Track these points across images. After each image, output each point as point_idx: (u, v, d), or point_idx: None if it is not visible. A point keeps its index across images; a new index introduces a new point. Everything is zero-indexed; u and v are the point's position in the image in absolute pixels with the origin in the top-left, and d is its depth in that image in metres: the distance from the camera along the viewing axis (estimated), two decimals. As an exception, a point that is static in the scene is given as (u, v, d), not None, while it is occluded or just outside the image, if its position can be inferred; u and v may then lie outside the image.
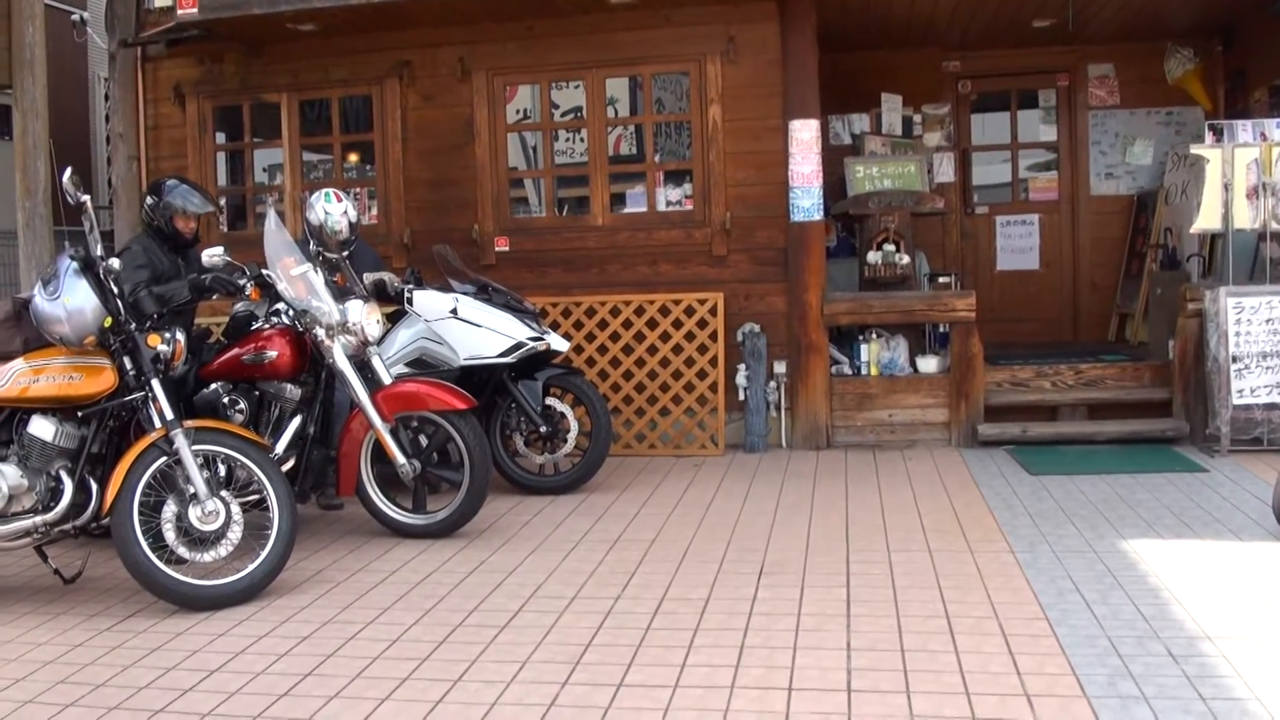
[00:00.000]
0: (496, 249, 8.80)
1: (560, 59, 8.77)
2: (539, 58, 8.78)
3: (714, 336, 8.35)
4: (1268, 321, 7.51)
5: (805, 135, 8.30)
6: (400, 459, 5.93)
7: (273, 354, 5.96)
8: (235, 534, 5.11)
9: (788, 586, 4.97)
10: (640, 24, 8.52)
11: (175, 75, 9.47)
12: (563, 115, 9.78)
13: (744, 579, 5.11)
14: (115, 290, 5.14)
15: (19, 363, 5.25)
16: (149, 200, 6.34)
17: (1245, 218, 7.73)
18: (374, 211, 9.22)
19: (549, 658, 4.23)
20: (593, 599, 4.93)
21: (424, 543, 6.01)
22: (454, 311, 6.93)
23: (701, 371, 8.36)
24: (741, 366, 8.37)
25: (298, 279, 5.96)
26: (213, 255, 5.85)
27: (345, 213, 6.97)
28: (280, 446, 5.92)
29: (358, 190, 9.24)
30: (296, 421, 6.03)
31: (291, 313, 6.04)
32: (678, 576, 5.20)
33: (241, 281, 5.91)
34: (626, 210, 8.86)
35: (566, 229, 8.92)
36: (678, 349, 8.40)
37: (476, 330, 6.90)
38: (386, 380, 6.07)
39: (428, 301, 7.00)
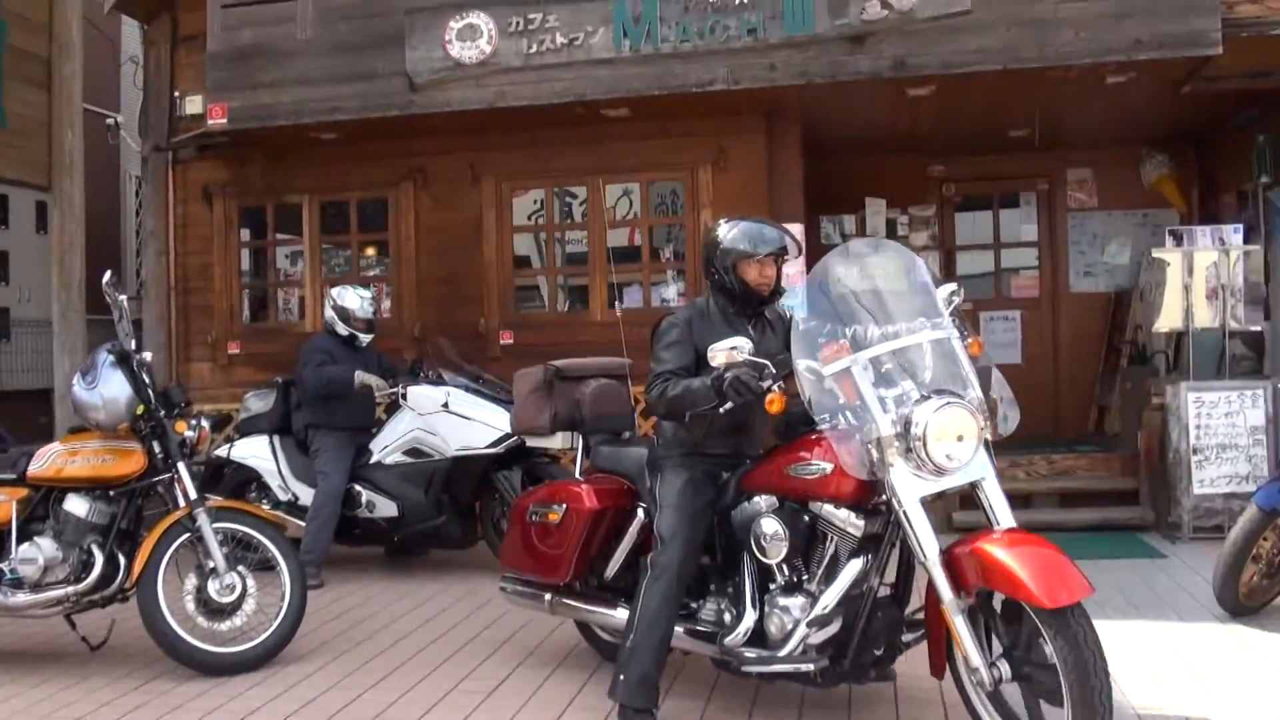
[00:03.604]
0: (501, 342, 9.33)
1: (564, 166, 9.38)
2: (544, 165, 9.39)
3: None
4: (1227, 415, 7.94)
5: (790, 238, 8.79)
6: (976, 659, 3.87)
7: (827, 466, 4.19)
8: (250, 606, 5.57)
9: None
10: (639, 135, 9.10)
11: (204, 177, 10.09)
12: (569, 203, 10.21)
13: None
14: (147, 381, 5.63)
15: (56, 445, 5.81)
16: (712, 255, 4.70)
17: (1206, 317, 8.22)
18: (387, 305, 9.77)
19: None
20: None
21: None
22: (445, 405, 7.36)
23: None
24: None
25: (842, 376, 4.11)
26: (725, 351, 4.24)
27: (373, 299, 7.77)
28: (829, 599, 4.16)
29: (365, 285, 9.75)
30: (856, 565, 4.16)
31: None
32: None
33: (765, 384, 4.21)
34: (625, 306, 9.30)
35: (568, 324, 9.45)
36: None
37: (467, 423, 7.31)
38: (1002, 521, 4.04)
39: (420, 397, 7.46)
